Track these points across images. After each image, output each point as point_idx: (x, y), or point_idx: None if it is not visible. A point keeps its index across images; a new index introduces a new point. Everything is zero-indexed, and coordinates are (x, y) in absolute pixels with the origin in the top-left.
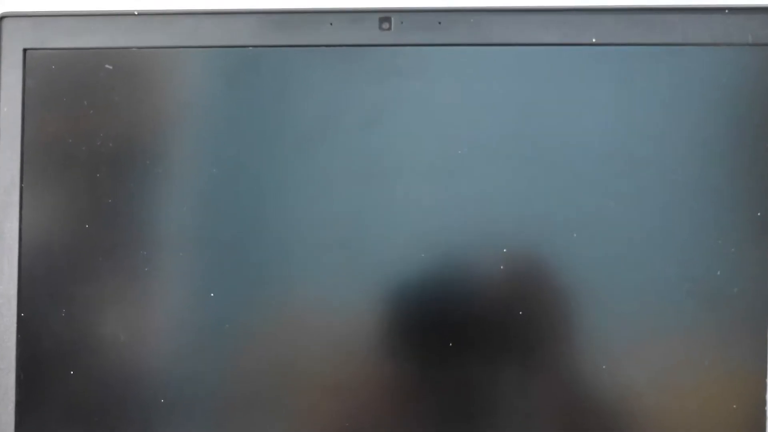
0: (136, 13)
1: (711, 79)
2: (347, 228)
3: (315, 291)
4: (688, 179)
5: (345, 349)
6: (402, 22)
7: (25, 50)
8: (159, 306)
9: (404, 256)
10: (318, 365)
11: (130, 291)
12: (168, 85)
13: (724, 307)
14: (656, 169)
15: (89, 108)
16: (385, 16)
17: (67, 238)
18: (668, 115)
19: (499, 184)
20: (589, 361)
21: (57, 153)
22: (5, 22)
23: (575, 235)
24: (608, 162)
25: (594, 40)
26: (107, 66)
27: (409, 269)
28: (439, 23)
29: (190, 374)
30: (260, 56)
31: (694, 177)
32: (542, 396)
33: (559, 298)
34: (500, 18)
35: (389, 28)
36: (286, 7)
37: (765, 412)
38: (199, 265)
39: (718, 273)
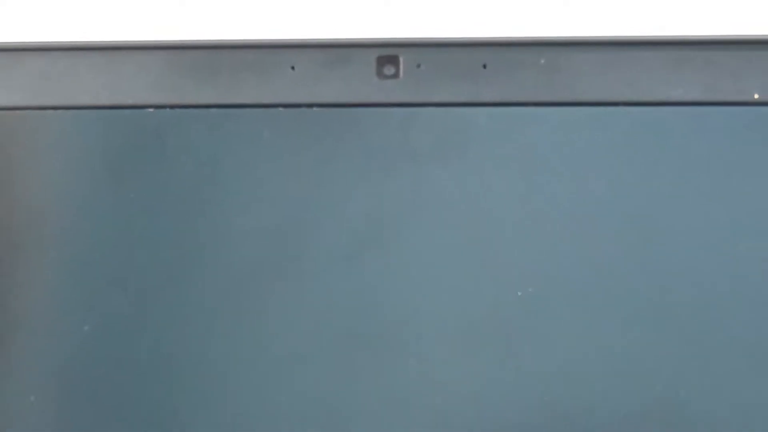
0: None
1: None
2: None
3: None
4: None
5: None
6: (419, 66)
7: None
8: None
9: None
10: None
11: None
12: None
13: None
14: None
15: None
16: (388, 54)
17: None
18: None
19: (604, 359)
20: None
21: None
22: None
23: None
24: None
25: (757, 97)
26: None
27: None
28: (485, 67)
29: None
30: (168, 122)
31: None
32: None
33: None
34: (590, 56)
35: (395, 75)
36: (213, 39)
37: None
38: None
39: None
